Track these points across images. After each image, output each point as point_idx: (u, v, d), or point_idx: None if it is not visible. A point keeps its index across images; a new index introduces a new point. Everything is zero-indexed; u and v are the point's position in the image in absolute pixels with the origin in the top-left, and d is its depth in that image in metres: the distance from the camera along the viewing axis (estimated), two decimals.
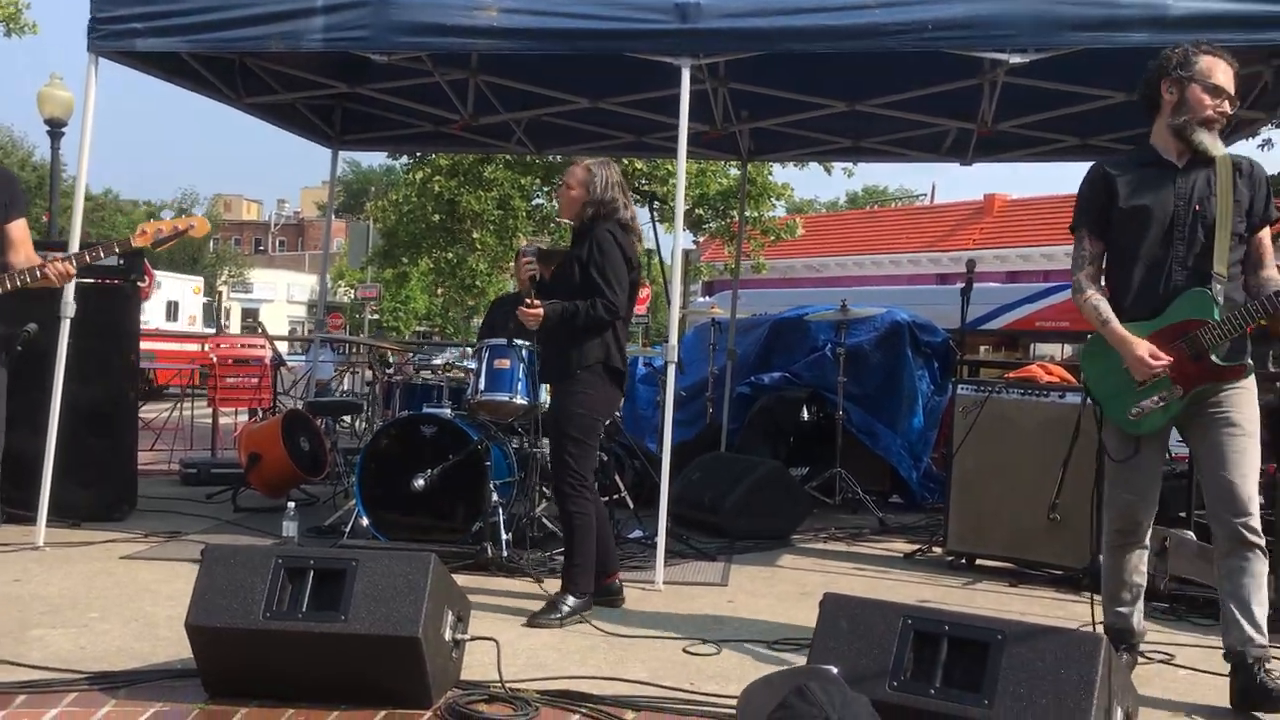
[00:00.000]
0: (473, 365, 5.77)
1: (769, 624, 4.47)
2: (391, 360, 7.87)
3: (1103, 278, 3.98)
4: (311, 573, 3.32)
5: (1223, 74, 3.77)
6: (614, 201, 4.61)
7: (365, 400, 8.56)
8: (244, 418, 9.90)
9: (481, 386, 5.56)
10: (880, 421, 7.98)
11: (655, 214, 5.81)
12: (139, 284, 6.73)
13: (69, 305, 5.52)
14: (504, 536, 5.40)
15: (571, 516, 4.51)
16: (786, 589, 5.22)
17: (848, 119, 7.97)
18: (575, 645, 4.09)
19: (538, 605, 4.48)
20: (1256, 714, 3.52)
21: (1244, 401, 3.73)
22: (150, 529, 6.03)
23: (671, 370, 5.42)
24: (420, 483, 5.44)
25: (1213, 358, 3.68)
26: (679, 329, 5.67)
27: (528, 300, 4.54)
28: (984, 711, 2.77)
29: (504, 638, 3.76)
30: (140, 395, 10.59)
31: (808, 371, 8.34)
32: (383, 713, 3.23)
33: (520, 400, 5.52)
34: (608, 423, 4.72)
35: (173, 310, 23.58)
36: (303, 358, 14.09)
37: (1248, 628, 3.57)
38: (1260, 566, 3.60)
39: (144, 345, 16.44)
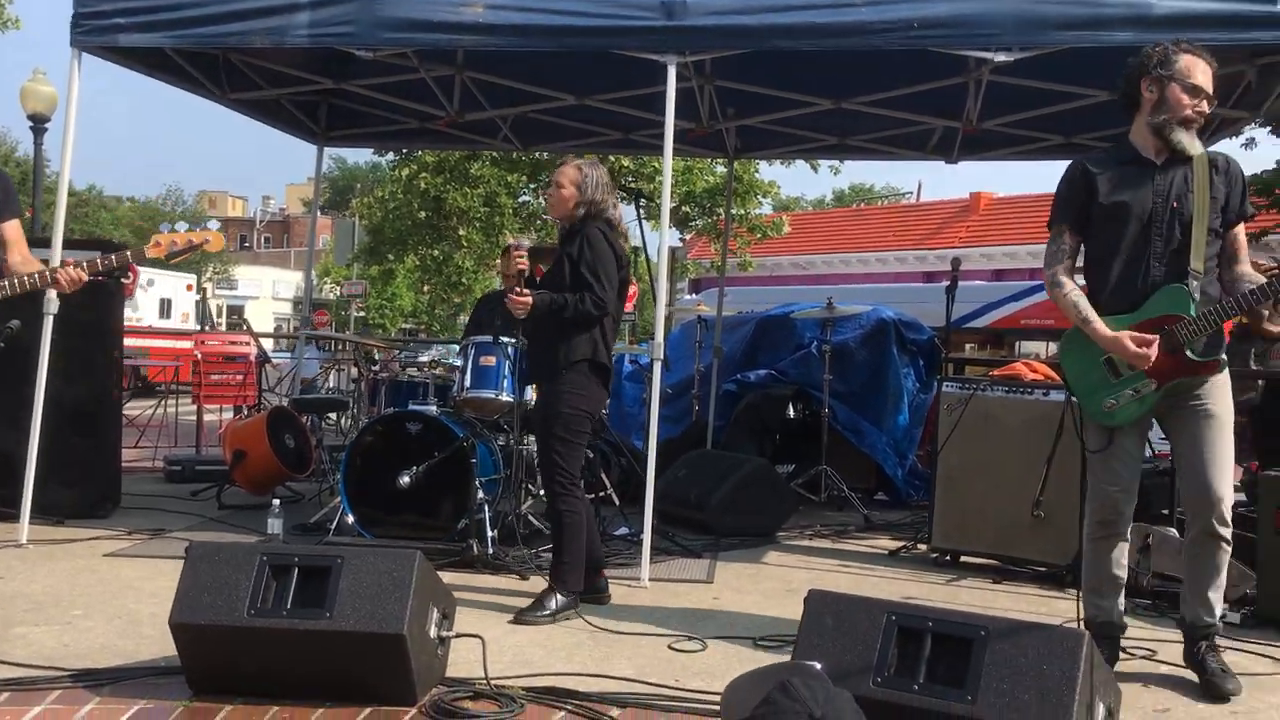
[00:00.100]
0: (458, 362, 5.77)
1: (754, 621, 4.48)
2: (377, 357, 7.86)
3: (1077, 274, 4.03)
4: (296, 570, 3.31)
5: (1202, 74, 3.81)
6: (604, 201, 4.64)
7: (351, 397, 8.54)
8: (229, 415, 9.87)
9: (467, 384, 5.57)
10: (866, 419, 8.00)
11: (642, 211, 5.81)
12: (123, 281, 6.70)
13: (52, 302, 5.49)
14: (489, 533, 5.40)
15: (561, 515, 4.51)
16: (772, 586, 5.23)
17: (834, 117, 7.99)
18: (561, 642, 4.10)
19: (523, 602, 4.48)
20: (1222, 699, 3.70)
21: (1221, 393, 3.83)
22: (134, 526, 6.01)
23: (657, 367, 5.43)
24: (406, 480, 5.44)
25: (1188, 352, 3.75)
26: (665, 326, 5.66)
27: (517, 289, 4.55)
28: (967, 707, 2.79)
29: (490, 635, 3.76)
30: (134, 392, 10.57)
31: (793, 369, 8.35)
32: (368, 710, 3.23)
33: (506, 397, 5.53)
34: (594, 420, 4.72)
35: (166, 307, 23.51)
36: (287, 355, 14.05)
37: (1200, 609, 3.84)
38: (1223, 558, 3.81)
39: (138, 342, 16.39)
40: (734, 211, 18.22)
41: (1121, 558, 3.96)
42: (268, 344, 12.86)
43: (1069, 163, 4.07)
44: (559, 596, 4.42)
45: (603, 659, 3.88)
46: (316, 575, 3.29)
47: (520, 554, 5.47)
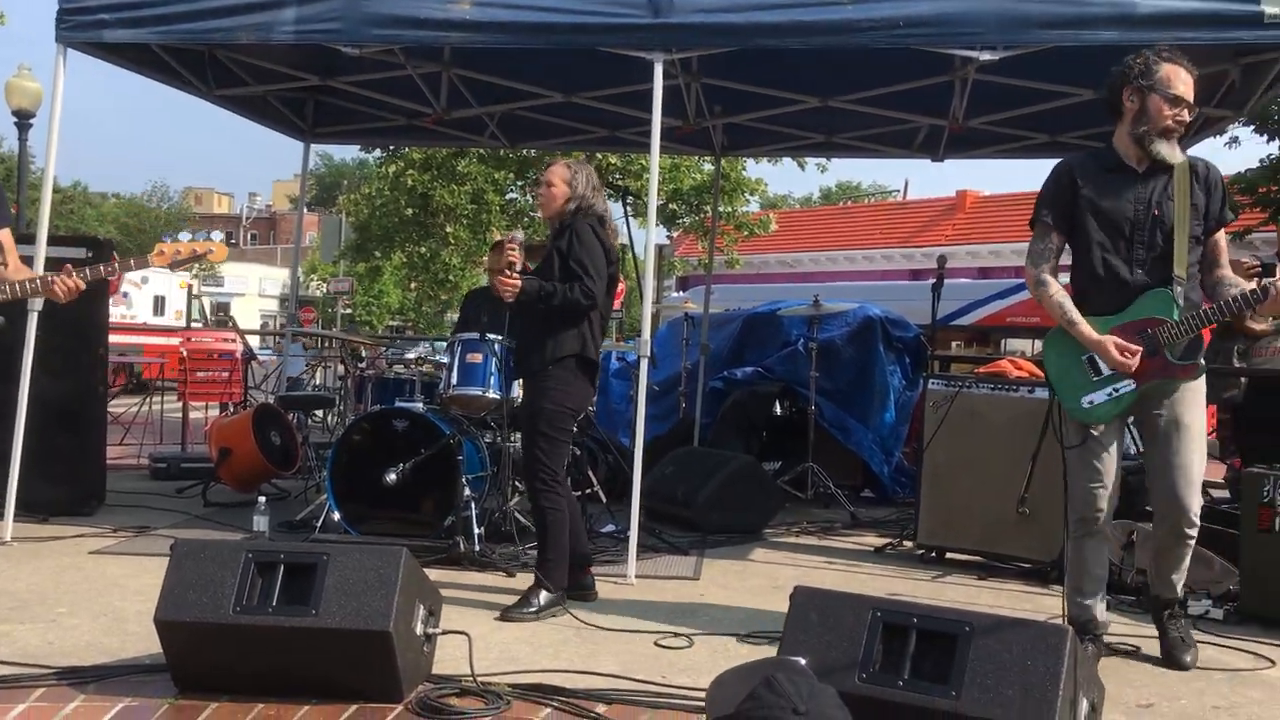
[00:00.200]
0: (445, 359, 5.77)
1: (741, 617, 4.49)
2: (364, 354, 7.85)
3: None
4: (282, 567, 3.31)
5: (1183, 84, 3.88)
6: (594, 197, 4.68)
7: (337, 394, 8.53)
8: (215, 412, 9.85)
9: (454, 381, 5.56)
10: (852, 416, 8.02)
11: (629, 209, 5.80)
12: (108, 278, 6.66)
13: (36, 300, 5.47)
14: (476, 531, 5.40)
15: (544, 511, 4.51)
16: (758, 583, 5.24)
17: (820, 115, 8.00)
18: (547, 639, 4.10)
19: (510, 599, 4.48)
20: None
21: (1195, 402, 3.96)
22: (119, 524, 5.99)
23: (644, 365, 5.43)
24: (392, 477, 5.43)
25: (1167, 355, 3.86)
26: (652, 324, 5.67)
27: (507, 272, 4.55)
28: (951, 703, 2.80)
29: (476, 632, 3.76)
30: (128, 388, 10.53)
31: (780, 366, 8.37)
32: (353, 707, 3.23)
33: (492, 394, 5.52)
34: (580, 417, 4.73)
35: (159, 305, 23.43)
36: (271, 351, 14.01)
37: (1163, 588, 4.12)
38: (1186, 553, 4.05)
39: (131, 339, 16.32)
40: (721, 209, 18.20)
41: (1103, 556, 4.04)
42: (254, 341, 12.83)
43: (1056, 162, 4.16)
44: (545, 593, 4.43)
45: (589, 656, 3.89)
46: (302, 572, 3.29)
47: (507, 551, 5.48)
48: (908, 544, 6.04)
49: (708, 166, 18.23)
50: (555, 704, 3.33)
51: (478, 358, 5.55)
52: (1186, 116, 3.89)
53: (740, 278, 24.90)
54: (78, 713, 3.19)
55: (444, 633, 3.54)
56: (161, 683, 3.36)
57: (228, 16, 5.50)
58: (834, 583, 5.03)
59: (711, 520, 6.35)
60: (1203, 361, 3.97)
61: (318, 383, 11.07)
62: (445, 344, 6.11)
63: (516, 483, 5.95)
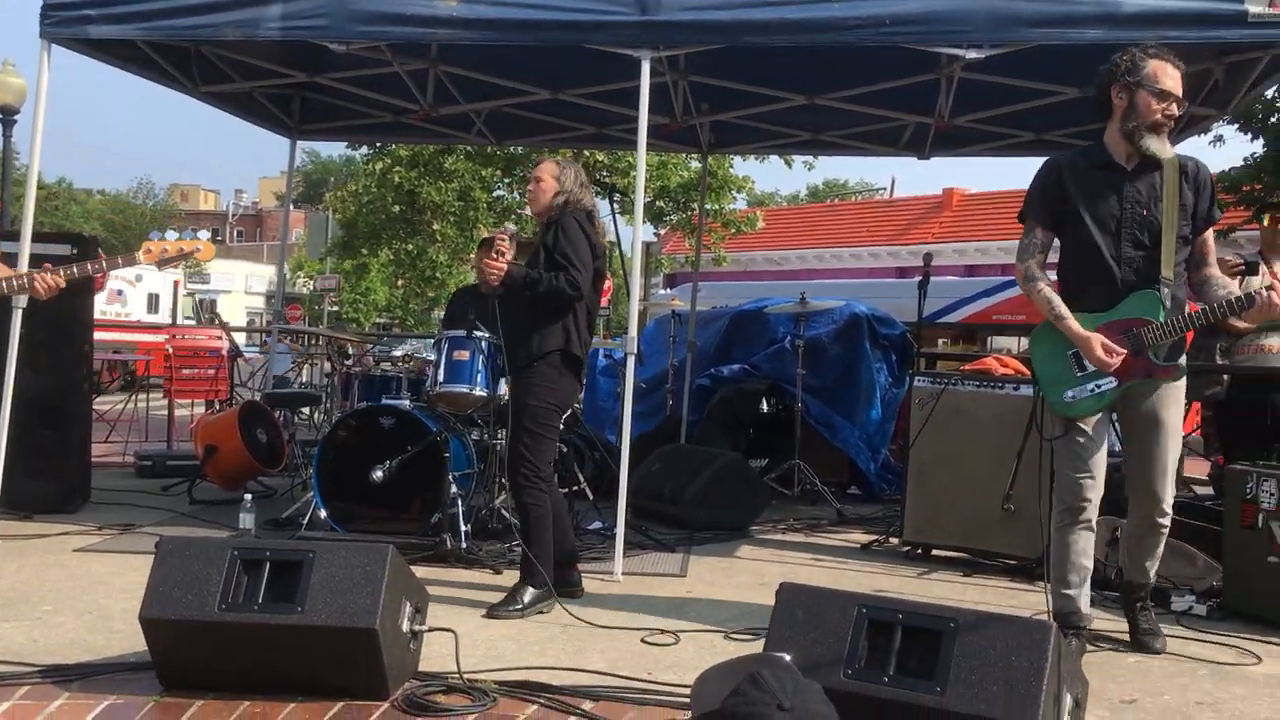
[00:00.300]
0: (431, 357, 5.76)
1: (727, 614, 4.50)
2: (350, 352, 7.83)
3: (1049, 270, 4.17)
4: (268, 564, 3.30)
5: (1169, 78, 3.93)
6: (582, 193, 4.70)
7: (324, 392, 8.51)
8: (200, 409, 9.81)
9: (440, 378, 5.55)
10: (838, 413, 8.04)
11: (616, 206, 5.80)
12: (90, 276, 6.64)
13: (20, 296, 5.45)
14: (463, 528, 5.39)
15: (527, 508, 4.51)
16: (745, 580, 5.25)
17: (807, 112, 8.01)
18: (534, 636, 4.10)
19: (497, 597, 4.48)
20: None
21: (1174, 400, 4.05)
22: (104, 521, 5.97)
23: (631, 362, 5.43)
24: (379, 474, 5.42)
25: (1151, 356, 3.93)
26: (639, 321, 5.68)
27: (493, 255, 4.56)
28: (936, 698, 2.81)
29: (463, 629, 3.76)
30: (122, 385, 10.48)
31: (767, 364, 8.39)
32: (339, 705, 3.22)
33: (479, 392, 5.52)
34: (567, 414, 4.72)
35: (154, 302, 23.38)
36: (257, 349, 13.97)
37: (1136, 574, 4.24)
38: (1161, 540, 4.17)
39: (126, 337, 16.25)
40: (708, 207, 18.22)
41: (1088, 547, 4.06)
42: (240, 339, 12.79)
43: (1045, 159, 4.23)
44: (530, 590, 4.43)
45: (576, 652, 3.89)
46: (288, 570, 3.29)
47: (493, 548, 5.48)
48: (893, 541, 6.06)
49: (695, 164, 18.23)
50: (542, 701, 3.33)
51: (465, 355, 5.54)
52: (1175, 110, 3.93)
53: (727, 275, 24.91)
54: (62, 710, 3.18)
55: (430, 630, 3.54)
56: (146, 680, 3.35)
57: (213, 13, 5.48)
58: (820, 579, 5.04)
59: (698, 517, 6.36)
60: (1184, 363, 4.04)
61: (304, 380, 11.04)
62: (432, 341, 6.10)
63: (503, 480, 5.94)
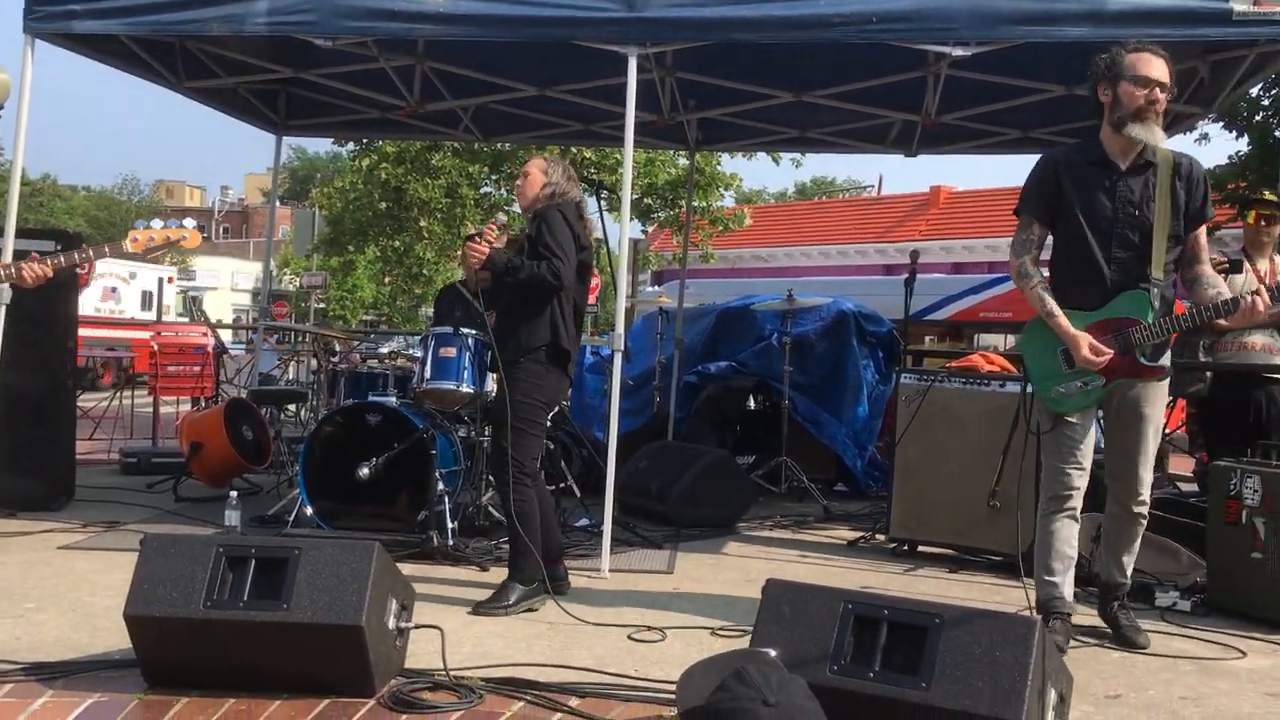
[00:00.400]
0: (418, 353, 5.75)
1: (714, 611, 4.49)
2: (337, 348, 7.81)
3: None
4: (253, 561, 3.29)
5: (1147, 65, 3.98)
6: (569, 187, 4.70)
7: (310, 389, 8.49)
8: (186, 406, 9.78)
9: (427, 375, 5.54)
10: (825, 410, 8.05)
11: (604, 203, 5.80)
12: (78, 272, 6.62)
13: (5, 292, 5.41)
14: (450, 525, 5.38)
15: (513, 505, 4.50)
16: (732, 576, 5.26)
17: (794, 109, 8.02)
18: (520, 633, 4.10)
19: (483, 594, 4.48)
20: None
21: (1158, 397, 4.14)
22: (89, 519, 5.94)
23: (618, 359, 5.43)
24: (365, 471, 5.41)
25: (1138, 356, 4.00)
26: (627, 318, 5.68)
27: (476, 239, 4.56)
28: (922, 694, 2.82)
29: (449, 626, 3.75)
30: (119, 383, 10.43)
31: (754, 361, 8.39)
32: (325, 702, 3.22)
33: (466, 389, 5.51)
34: (554, 410, 4.71)
35: (148, 300, 23.36)
36: (243, 347, 13.93)
37: (1114, 570, 4.29)
38: (1138, 531, 4.23)
39: (115, 334, 16.13)
40: (696, 204, 18.23)
41: (1072, 536, 4.12)
42: (225, 336, 12.75)
43: (1040, 154, 4.29)
44: (519, 587, 4.42)
45: (562, 649, 3.89)
46: (273, 567, 3.27)
47: (480, 545, 5.48)
48: (880, 537, 6.07)
49: (682, 161, 18.24)
50: (528, 697, 3.32)
51: (451, 352, 5.53)
52: (1159, 95, 3.97)
53: (715, 272, 24.94)
54: (46, 708, 3.17)
55: (416, 627, 3.53)
56: (131, 678, 3.34)
57: (199, 8, 5.45)
58: (806, 576, 5.04)
59: (685, 514, 6.37)
60: (1169, 364, 4.10)
61: (291, 377, 11.01)
62: (419, 338, 6.09)
63: (490, 477, 5.94)
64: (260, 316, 9.73)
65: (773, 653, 2.81)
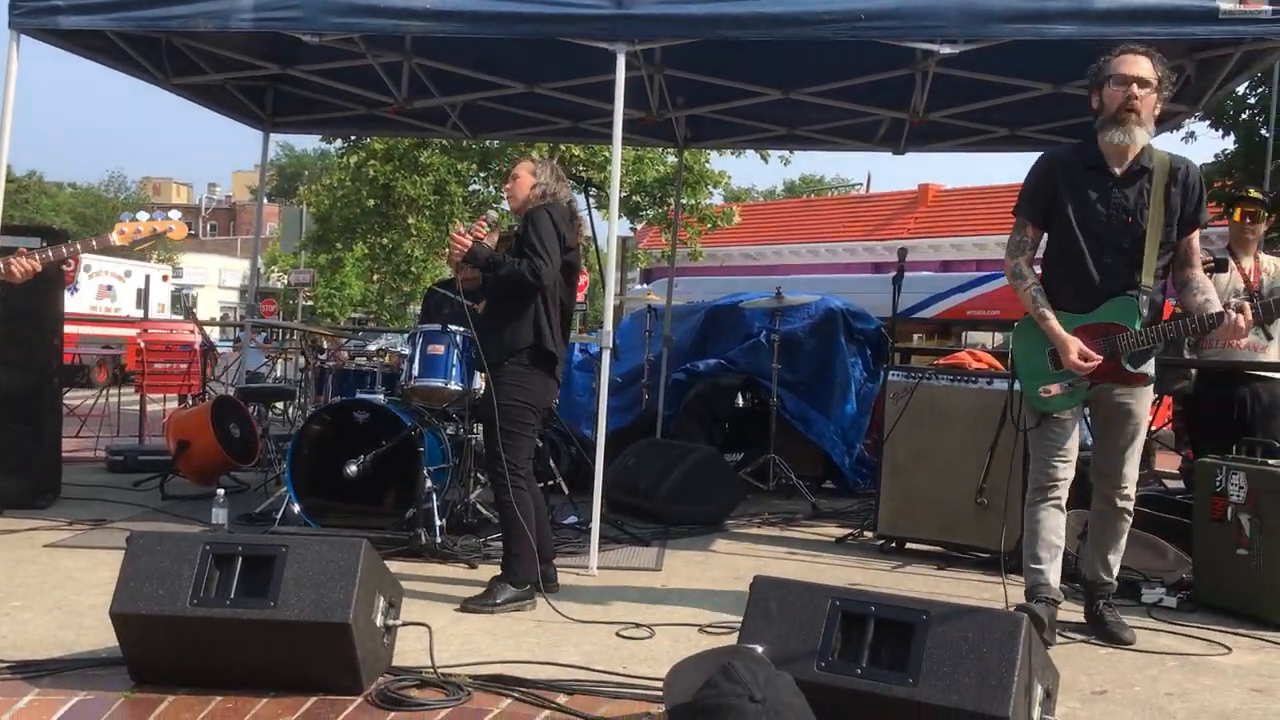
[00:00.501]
0: (406, 351, 5.74)
1: (702, 608, 4.50)
2: (325, 346, 7.79)
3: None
4: (240, 559, 3.28)
5: (1127, 65, 4.03)
6: (559, 188, 4.70)
7: (298, 386, 8.47)
8: (173, 404, 9.74)
9: (415, 372, 5.53)
10: (814, 408, 8.06)
11: (592, 201, 5.80)
12: (63, 268, 6.59)
13: None
14: (438, 523, 5.38)
15: (505, 505, 4.49)
16: (720, 573, 5.26)
17: (783, 107, 8.02)
18: (509, 630, 4.10)
19: (472, 591, 4.47)
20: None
21: (1144, 395, 4.22)
22: (75, 517, 5.92)
23: (606, 356, 5.43)
24: (353, 469, 5.40)
25: (1123, 362, 4.07)
26: (615, 316, 5.67)
27: (459, 230, 4.57)
28: (909, 690, 2.83)
29: (437, 623, 3.75)
30: (115, 380, 10.39)
31: (742, 358, 8.40)
32: (313, 699, 3.21)
33: (454, 386, 5.51)
34: (543, 409, 4.70)
35: (142, 298, 23.35)
36: (230, 344, 13.90)
37: (1100, 570, 4.30)
38: (1124, 527, 4.28)
39: (117, 332, 16.05)
40: (684, 201, 18.24)
41: (1059, 525, 4.19)
42: (213, 334, 12.71)
43: (1018, 155, 4.29)
44: (510, 587, 4.41)
45: (550, 647, 3.89)
46: (260, 564, 3.27)
47: (469, 543, 5.47)
48: (868, 535, 6.08)
49: (671, 159, 18.26)
50: (516, 695, 3.32)
51: (439, 349, 5.52)
52: (1137, 91, 4.00)
53: (703, 270, 24.95)
54: (32, 706, 3.15)
55: (404, 624, 3.53)
56: (118, 676, 3.33)
57: (185, 3, 5.42)
58: (795, 573, 5.05)
59: (673, 512, 6.37)
60: (1151, 372, 4.17)
61: (278, 375, 10.98)
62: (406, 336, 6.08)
63: (478, 475, 5.93)
64: (247, 314, 9.69)
65: (760, 649, 2.81)
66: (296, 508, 5.56)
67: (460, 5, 5.28)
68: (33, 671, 3.38)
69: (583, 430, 7.70)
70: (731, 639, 3.75)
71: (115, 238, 4.44)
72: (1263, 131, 14.17)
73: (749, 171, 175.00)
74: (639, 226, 23.61)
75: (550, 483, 6.36)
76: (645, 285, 24.01)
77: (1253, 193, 6.06)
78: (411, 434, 5.48)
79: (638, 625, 4.16)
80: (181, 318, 23.36)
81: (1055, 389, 4.12)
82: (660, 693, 3.23)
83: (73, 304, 19.26)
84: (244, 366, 9.64)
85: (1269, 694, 3.67)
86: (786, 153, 17.67)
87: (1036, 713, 2.88)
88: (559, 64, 7.25)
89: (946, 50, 5.24)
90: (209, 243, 61.57)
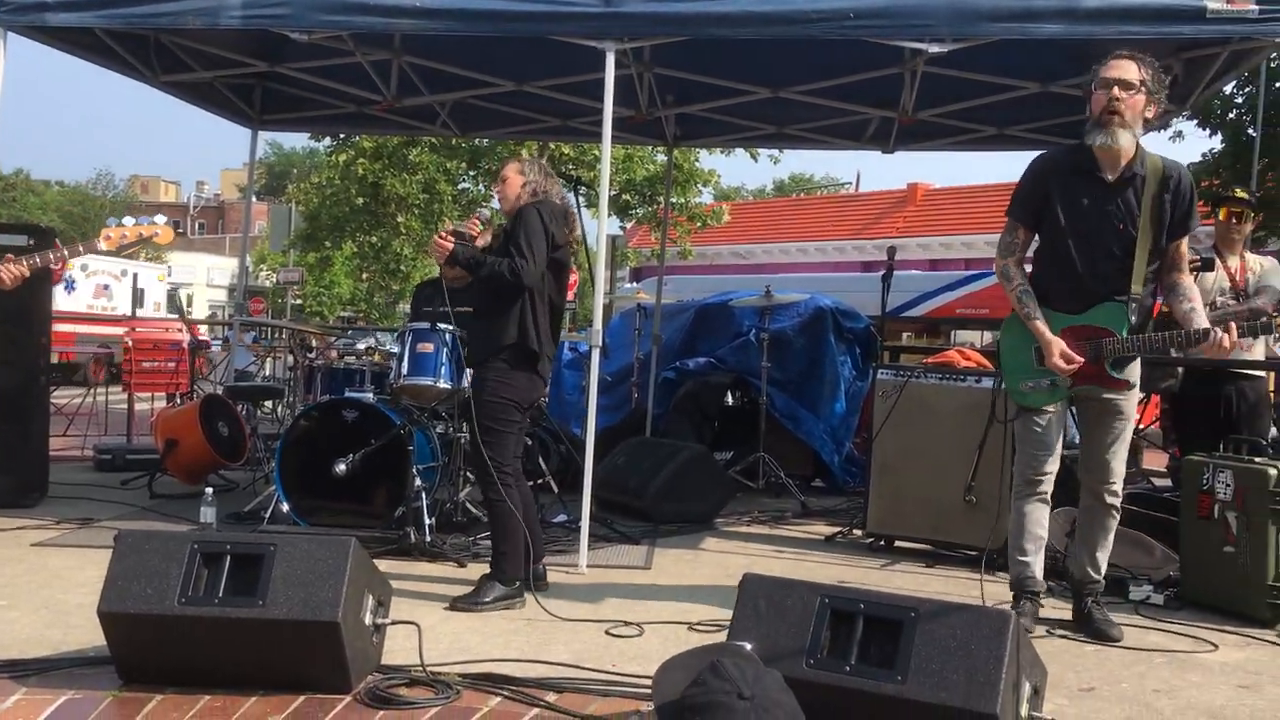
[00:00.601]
0: (395, 349, 5.73)
1: (691, 606, 4.50)
2: (313, 344, 7.77)
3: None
4: (228, 558, 3.27)
5: (1111, 69, 4.06)
6: (549, 186, 4.69)
7: (286, 385, 8.44)
8: (161, 403, 9.71)
9: (404, 370, 5.52)
10: (803, 406, 8.07)
11: (582, 199, 5.79)
12: (51, 268, 6.56)
13: None
14: (427, 521, 5.37)
15: (493, 504, 4.49)
16: (709, 572, 5.27)
17: (772, 105, 8.03)
18: (498, 628, 4.10)
19: (461, 590, 4.47)
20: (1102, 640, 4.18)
21: (1131, 394, 4.25)
22: (62, 516, 5.90)
23: (595, 355, 5.43)
24: (342, 468, 5.39)
25: (1106, 367, 4.12)
26: (605, 314, 5.67)
27: (444, 234, 4.57)
28: (897, 687, 2.83)
29: (426, 622, 3.75)
30: (110, 378, 10.31)
31: (732, 357, 8.40)
32: (301, 698, 3.21)
33: (443, 384, 5.50)
34: (528, 408, 4.69)
35: (140, 297, 23.31)
36: (219, 343, 13.86)
37: (1088, 567, 4.32)
38: (1111, 523, 4.30)
39: (114, 331, 15.99)
40: (674, 200, 18.25)
41: (1043, 518, 4.27)
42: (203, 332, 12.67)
43: (1005, 154, 4.33)
44: (498, 585, 4.41)
45: (540, 645, 3.89)
46: (249, 563, 3.26)
47: (458, 541, 5.46)
48: (857, 533, 6.09)
49: (661, 158, 18.25)
50: (505, 693, 3.32)
51: (428, 347, 5.51)
52: (1119, 93, 4.03)
53: (693, 269, 24.96)
54: (19, 705, 3.14)
55: (393, 623, 3.52)
56: (105, 675, 3.32)
57: (174, 0, 5.41)
58: (784, 571, 5.06)
59: (663, 510, 6.37)
60: (1135, 378, 4.22)
61: (267, 373, 10.95)
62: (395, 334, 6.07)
63: (468, 473, 5.93)
64: (236, 312, 9.66)
65: (749, 647, 2.82)
66: (285, 506, 5.54)
67: (450, 3, 5.27)
68: (20, 670, 3.37)
69: (572, 429, 7.70)
70: (721, 637, 3.75)
71: (101, 244, 4.47)
72: (1250, 131, 14.21)
73: (738, 170, 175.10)
74: (628, 225, 23.61)
75: (540, 481, 6.36)
76: (635, 284, 24.00)
77: (1238, 193, 6.08)
78: (400, 432, 5.47)
79: (627, 623, 4.17)
80: (177, 316, 23.32)
81: (1037, 384, 4.19)
82: (649, 690, 3.23)
83: (70, 303, 19.34)
84: (232, 365, 9.61)
85: (1255, 690, 3.68)
86: (776, 151, 17.66)
87: (1025, 709, 2.89)
88: (548, 62, 7.25)
89: (935, 49, 5.25)
90: (197, 241, 61.34)
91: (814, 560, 5.58)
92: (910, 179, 32.39)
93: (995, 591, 4.49)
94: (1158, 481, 7.00)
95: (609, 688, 3.41)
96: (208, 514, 5.51)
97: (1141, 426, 7.29)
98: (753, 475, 7.53)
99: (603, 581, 4.94)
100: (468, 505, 5.91)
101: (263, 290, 40.47)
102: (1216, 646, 4.18)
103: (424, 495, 5.42)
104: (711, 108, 8.21)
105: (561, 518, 6.15)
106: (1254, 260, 5.80)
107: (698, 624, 4.19)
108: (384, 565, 4.23)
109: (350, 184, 20.74)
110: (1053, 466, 4.24)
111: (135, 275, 20.69)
